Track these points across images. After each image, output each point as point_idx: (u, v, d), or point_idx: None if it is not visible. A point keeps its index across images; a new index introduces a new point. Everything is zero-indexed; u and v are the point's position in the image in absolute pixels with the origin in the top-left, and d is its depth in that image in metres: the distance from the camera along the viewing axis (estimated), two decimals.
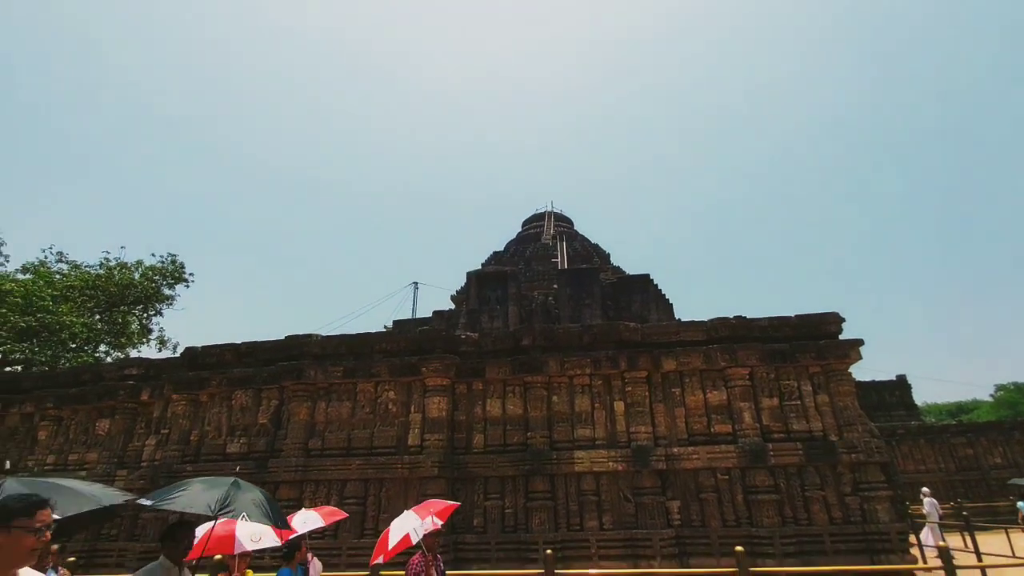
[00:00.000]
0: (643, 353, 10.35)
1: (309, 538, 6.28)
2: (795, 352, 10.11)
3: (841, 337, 10.49)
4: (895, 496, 9.29)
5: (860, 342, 10.13)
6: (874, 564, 8.50)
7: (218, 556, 5.82)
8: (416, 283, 43.80)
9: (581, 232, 27.25)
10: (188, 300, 73.84)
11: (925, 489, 15.36)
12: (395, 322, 22.08)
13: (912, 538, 10.16)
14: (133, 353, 24.39)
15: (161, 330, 26.34)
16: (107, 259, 25.07)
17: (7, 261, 24.14)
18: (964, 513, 12.28)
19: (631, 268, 23.17)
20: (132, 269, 25.16)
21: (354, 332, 11.73)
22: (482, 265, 24.02)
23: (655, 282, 19.96)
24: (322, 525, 6.25)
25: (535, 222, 27.58)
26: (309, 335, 11.53)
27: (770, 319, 10.76)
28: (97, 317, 23.47)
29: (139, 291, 24.89)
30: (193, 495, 3.85)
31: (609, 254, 25.34)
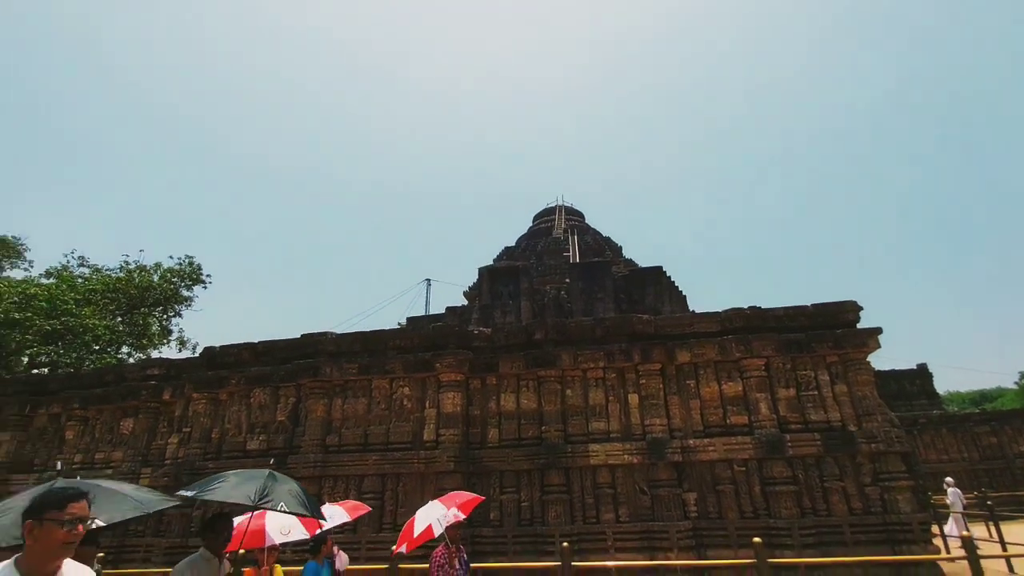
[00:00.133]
0: (657, 345, 10.30)
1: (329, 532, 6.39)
2: (812, 342, 9.98)
3: (859, 326, 10.34)
4: (917, 486, 9.17)
5: (878, 331, 9.98)
6: (896, 555, 8.39)
7: (242, 551, 5.95)
8: (428, 280, 44.08)
9: (592, 225, 27.13)
10: (205, 300, 74.97)
11: (949, 479, 15.09)
12: (408, 319, 22.24)
13: (935, 528, 10.00)
14: (154, 354, 24.91)
15: (181, 331, 26.90)
16: (127, 262, 25.62)
17: (31, 267, 24.80)
18: (988, 502, 12.06)
19: (644, 261, 23.05)
20: (151, 271, 25.68)
21: (368, 330, 11.84)
22: (494, 260, 24.05)
23: (668, 274, 19.83)
24: (348, 520, 6.32)
25: (546, 216, 27.51)
26: (324, 333, 11.67)
27: (786, 309, 10.63)
28: (119, 319, 23.99)
29: (158, 293, 25.39)
30: (232, 486, 3.95)
31: (621, 247, 25.21)
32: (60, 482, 2.73)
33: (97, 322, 21.24)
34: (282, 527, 5.20)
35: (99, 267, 25.63)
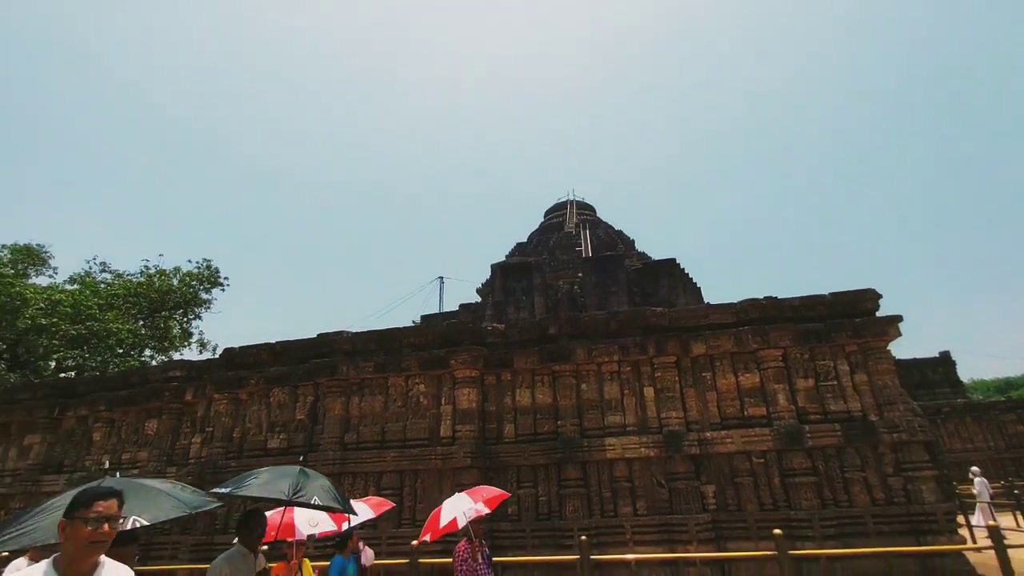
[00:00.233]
0: (671, 338, 10.25)
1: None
2: (830, 331, 9.85)
3: (878, 314, 10.17)
4: (941, 475, 9.01)
5: (898, 319, 9.80)
6: (920, 545, 8.27)
7: (264, 548, 6.08)
8: (441, 278, 44.14)
9: (604, 219, 26.99)
10: (223, 303, 76.32)
11: (975, 468, 14.82)
12: (423, 317, 22.37)
13: (961, 519, 9.82)
14: (176, 356, 25.50)
15: (201, 333, 27.47)
16: (147, 267, 26.21)
17: (55, 273, 25.47)
18: (1015, 492, 11.82)
19: (657, 254, 22.87)
20: (170, 276, 26.23)
21: (383, 328, 11.95)
22: (506, 257, 24.07)
23: (682, 266, 19.66)
24: (373, 516, 6.42)
25: (557, 211, 27.42)
26: (340, 332, 11.80)
27: (802, 298, 10.50)
28: (141, 323, 24.56)
29: (178, 296, 25.95)
30: (266, 482, 4.06)
31: (634, 240, 25.05)
32: (108, 480, 2.76)
33: (120, 326, 21.77)
34: (310, 519, 5.35)
35: (120, 272, 26.27)
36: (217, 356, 13.27)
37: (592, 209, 27.85)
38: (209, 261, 27.00)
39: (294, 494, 3.90)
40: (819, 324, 9.98)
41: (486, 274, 21.30)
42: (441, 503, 5.81)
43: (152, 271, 26.04)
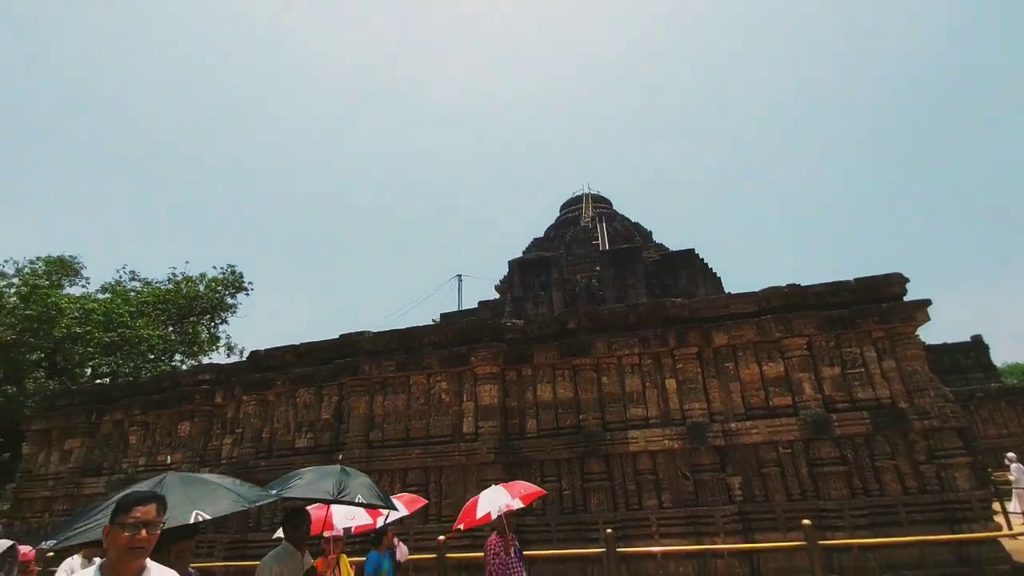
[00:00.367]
0: (692, 329, 10.16)
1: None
2: (856, 318, 9.65)
3: (906, 299, 9.93)
4: (975, 462, 8.78)
5: (927, 303, 9.56)
6: (955, 533, 8.09)
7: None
8: (460, 276, 44.25)
9: (620, 212, 26.82)
10: (248, 307, 77.89)
11: (1011, 455, 14.39)
12: (442, 315, 22.53)
13: (996, 506, 9.57)
14: (205, 360, 26.16)
15: (228, 337, 28.14)
16: (174, 274, 26.94)
17: (88, 283, 26.34)
18: None
19: (675, 244, 22.64)
20: (196, 282, 26.92)
21: (404, 327, 12.11)
22: (523, 252, 24.08)
23: (701, 257, 19.45)
24: (407, 513, 6.54)
25: (573, 206, 27.33)
26: (361, 332, 11.99)
27: (826, 285, 10.31)
28: (170, 329, 25.27)
29: (205, 302, 26.64)
30: (310, 483, 4.17)
31: (651, 232, 24.84)
32: (169, 476, 2.79)
33: (151, 332, 22.46)
34: (347, 513, 5.49)
35: (149, 280, 27.06)
36: (244, 359, 13.60)
37: (608, 202, 27.69)
38: (233, 267, 27.66)
39: (338, 493, 4.01)
40: (844, 311, 9.79)
41: (504, 271, 21.37)
42: (466, 499, 5.90)
43: (179, 278, 26.77)
